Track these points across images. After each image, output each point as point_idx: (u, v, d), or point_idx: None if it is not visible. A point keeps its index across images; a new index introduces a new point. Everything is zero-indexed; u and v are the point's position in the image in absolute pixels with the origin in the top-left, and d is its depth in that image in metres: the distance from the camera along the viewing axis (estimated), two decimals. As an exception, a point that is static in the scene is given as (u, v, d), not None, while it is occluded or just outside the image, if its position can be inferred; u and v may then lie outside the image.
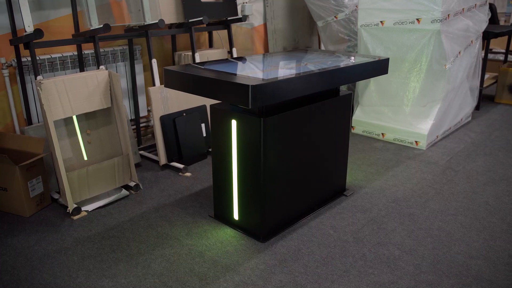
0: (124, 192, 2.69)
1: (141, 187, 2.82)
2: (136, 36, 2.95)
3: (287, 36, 4.56)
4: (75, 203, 2.51)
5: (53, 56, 2.76)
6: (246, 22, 4.16)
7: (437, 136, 3.62)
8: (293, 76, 1.98)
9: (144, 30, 2.91)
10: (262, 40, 4.38)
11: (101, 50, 3.03)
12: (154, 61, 2.98)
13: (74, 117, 2.56)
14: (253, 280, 1.92)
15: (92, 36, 2.64)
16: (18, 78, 2.60)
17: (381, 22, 3.49)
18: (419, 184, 2.87)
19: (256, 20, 4.27)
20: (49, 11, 2.78)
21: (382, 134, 3.71)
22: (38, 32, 2.26)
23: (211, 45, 3.75)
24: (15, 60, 2.59)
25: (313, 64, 2.40)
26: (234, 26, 4.03)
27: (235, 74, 2.01)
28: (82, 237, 2.28)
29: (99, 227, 2.37)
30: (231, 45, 3.55)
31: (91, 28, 2.59)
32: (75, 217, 2.46)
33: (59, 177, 2.33)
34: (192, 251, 2.15)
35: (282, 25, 4.48)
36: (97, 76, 2.52)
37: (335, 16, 4.06)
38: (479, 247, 2.16)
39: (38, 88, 2.18)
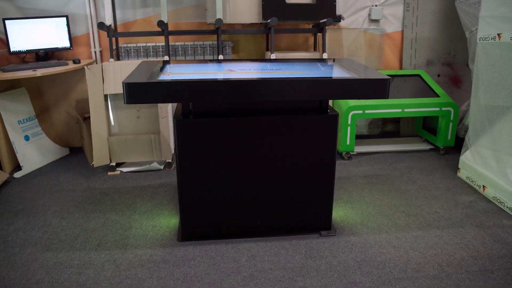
0: (155, 165, 3.12)
1: (175, 165, 3.18)
2: (209, 33, 3.25)
3: (435, 47, 3.77)
4: (115, 163, 3.12)
5: (147, 44, 3.41)
6: (376, 27, 3.73)
7: (562, 213, 2.39)
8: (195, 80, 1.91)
9: (216, 28, 3.18)
10: (397, 48, 3.80)
11: (191, 43, 3.47)
12: (220, 57, 3.21)
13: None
14: (120, 263, 2.03)
15: (163, 30, 3.12)
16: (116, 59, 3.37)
17: (498, 35, 2.53)
18: (433, 257, 2.08)
19: (391, 25, 3.74)
20: (152, 8, 3.43)
21: (483, 187, 2.72)
22: (99, 25, 2.93)
23: (315, 48, 3.61)
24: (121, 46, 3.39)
25: (275, 73, 2.15)
26: (356, 31, 3.70)
27: (157, 72, 2.09)
28: (91, 187, 2.87)
29: (109, 184, 2.90)
30: (323, 49, 3.33)
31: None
32: (109, 173, 3.08)
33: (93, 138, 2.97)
34: (127, 224, 2.40)
35: (429, 34, 3.74)
36: (149, 64, 3.00)
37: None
38: None
39: (86, 68, 2.85)
